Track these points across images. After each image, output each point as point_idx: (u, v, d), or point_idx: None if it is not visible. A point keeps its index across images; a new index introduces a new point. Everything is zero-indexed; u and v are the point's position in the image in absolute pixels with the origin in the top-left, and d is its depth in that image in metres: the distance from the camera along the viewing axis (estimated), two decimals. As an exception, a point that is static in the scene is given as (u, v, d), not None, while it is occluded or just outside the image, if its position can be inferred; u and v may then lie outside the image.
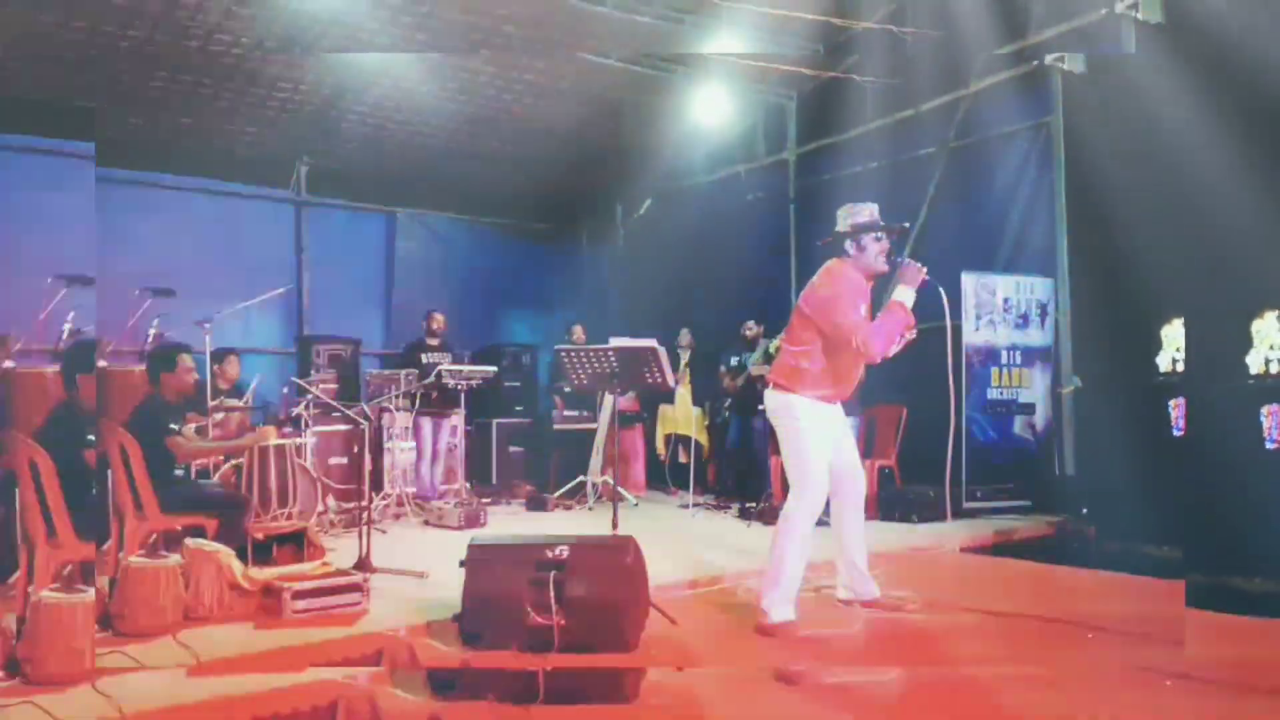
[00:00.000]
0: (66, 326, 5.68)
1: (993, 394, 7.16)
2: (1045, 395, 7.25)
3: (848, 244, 4.25)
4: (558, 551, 3.72)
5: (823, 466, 4.24)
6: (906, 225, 4.36)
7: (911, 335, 4.20)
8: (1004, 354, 7.20)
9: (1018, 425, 7.21)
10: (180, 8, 6.61)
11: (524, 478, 8.60)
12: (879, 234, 4.23)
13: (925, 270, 4.17)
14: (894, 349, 4.18)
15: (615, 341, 4.97)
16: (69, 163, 7.16)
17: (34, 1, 6.26)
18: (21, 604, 3.62)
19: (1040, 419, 7.25)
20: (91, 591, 3.73)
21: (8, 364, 5.21)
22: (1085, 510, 6.36)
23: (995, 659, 3.72)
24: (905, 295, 4.13)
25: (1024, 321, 7.26)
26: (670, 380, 4.99)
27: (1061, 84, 6.85)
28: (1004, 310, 7.22)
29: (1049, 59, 6.73)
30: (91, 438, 4.41)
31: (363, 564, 4.85)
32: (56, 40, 6.70)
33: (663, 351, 4.83)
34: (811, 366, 4.21)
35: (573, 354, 4.92)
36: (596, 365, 4.83)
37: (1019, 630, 4.21)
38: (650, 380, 4.85)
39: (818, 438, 4.24)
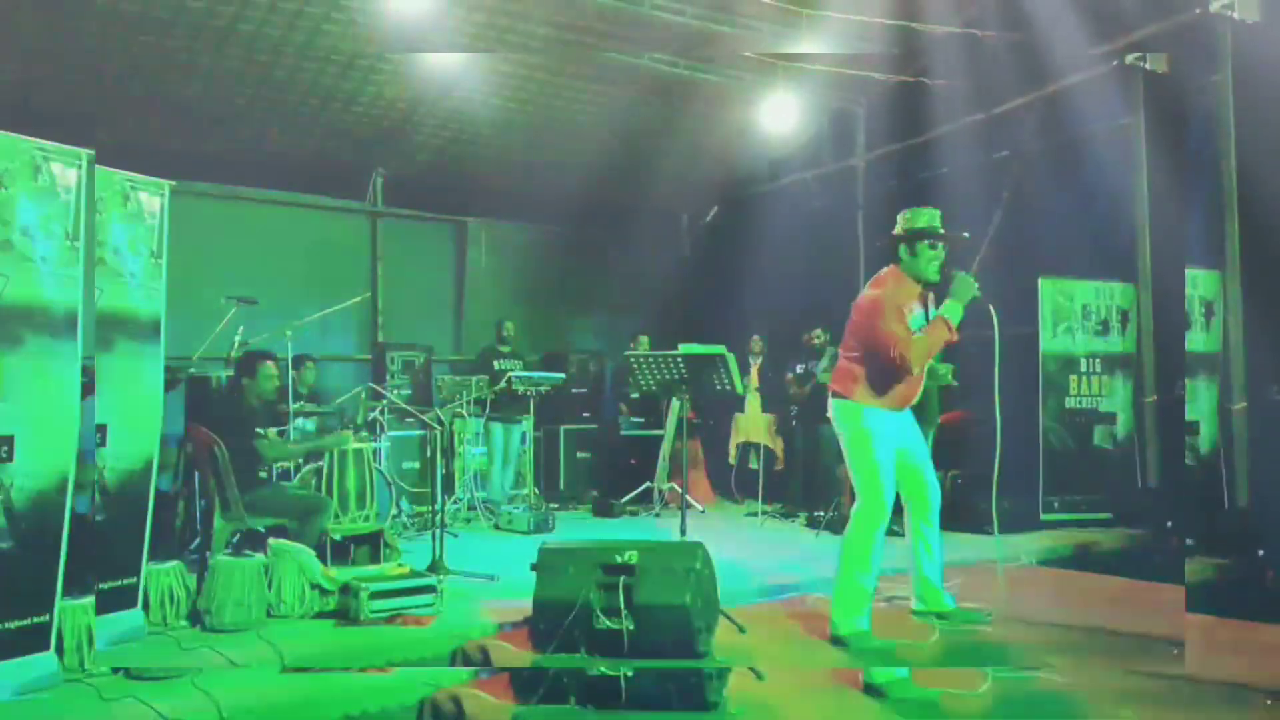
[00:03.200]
0: (236, 339, 6.36)
1: (1070, 402, 6.97)
2: (1127, 404, 7.03)
3: (902, 249, 4.19)
4: (627, 556, 3.74)
5: (885, 474, 4.17)
6: (966, 234, 4.25)
7: (953, 339, 4.12)
8: (1083, 362, 7.01)
9: (1098, 435, 7.00)
10: (274, 26, 6.88)
11: (591, 484, 8.66)
12: (934, 242, 4.14)
13: (978, 286, 4.08)
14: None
15: (684, 348, 4.98)
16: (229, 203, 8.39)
17: (133, 20, 6.56)
18: (201, 565, 4.38)
19: (1121, 428, 7.03)
20: (259, 555, 4.29)
21: (191, 370, 6.01)
22: (1262, 552, 5.33)
23: (1075, 672, 3.62)
24: (953, 310, 4.05)
25: (1104, 328, 7.06)
26: (739, 386, 4.98)
27: (1144, 84, 6.64)
28: (1083, 317, 7.04)
29: (1130, 58, 6.51)
30: (259, 430, 5.00)
31: (436, 566, 4.95)
32: (148, 58, 7.02)
33: (731, 358, 4.82)
34: (867, 373, 4.16)
35: (641, 360, 4.95)
36: (664, 371, 4.85)
37: (1098, 644, 4.09)
38: (719, 387, 4.84)
39: (878, 445, 4.17)
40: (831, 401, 4.31)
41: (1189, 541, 5.67)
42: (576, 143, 8.93)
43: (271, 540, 4.49)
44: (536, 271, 10.13)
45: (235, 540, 4.72)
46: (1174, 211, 6.33)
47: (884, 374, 4.14)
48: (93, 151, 3.52)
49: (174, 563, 4.31)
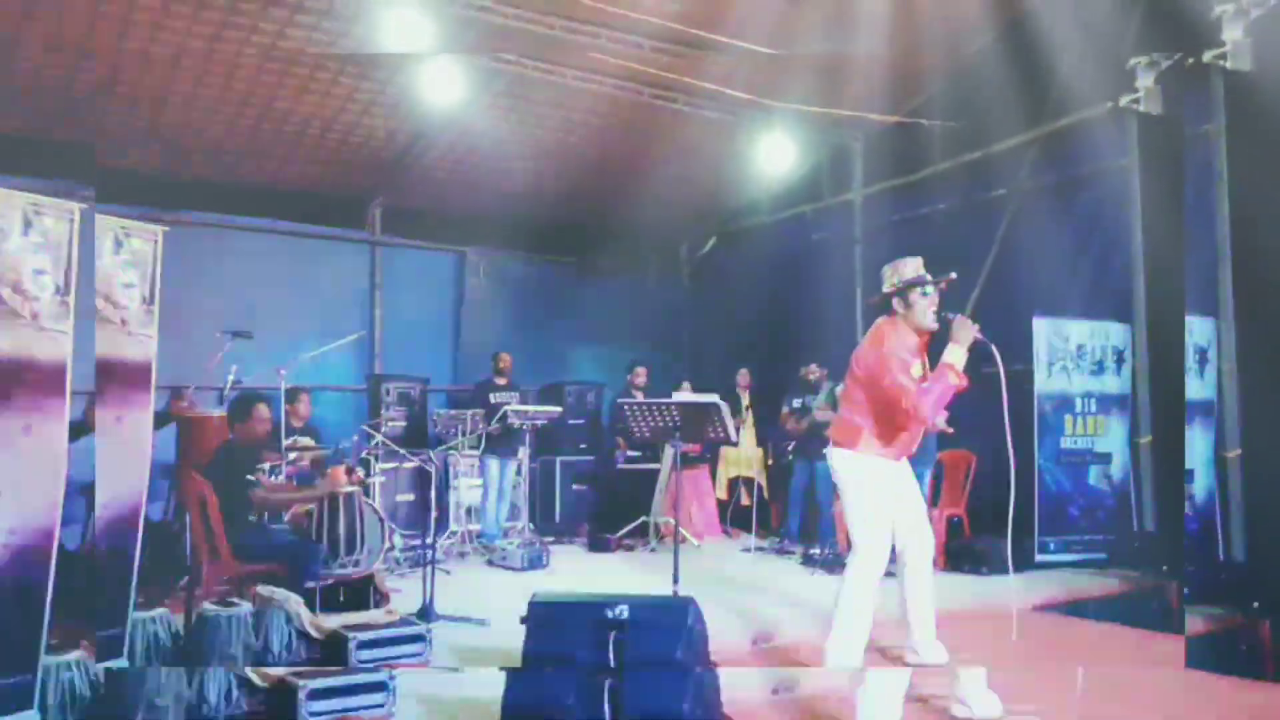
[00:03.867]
0: (230, 378, 6.27)
1: (1066, 443, 6.94)
2: (1123, 445, 7.01)
3: (895, 302, 4.20)
4: (618, 611, 3.71)
5: (883, 524, 4.21)
6: (954, 275, 4.26)
7: (962, 385, 4.11)
8: (1078, 402, 6.99)
9: (1093, 476, 6.97)
10: (276, 60, 6.92)
11: (587, 517, 8.61)
12: (926, 289, 4.15)
13: (978, 328, 4.07)
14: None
15: (678, 396, 4.98)
16: (230, 233, 8.34)
17: (135, 54, 6.59)
18: (186, 607, 4.39)
19: (1117, 469, 7.00)
20: (246, 603, 4.22)
21: (184, 405, 5.96)
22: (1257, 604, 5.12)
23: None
24: (956, 355, 4.04)
25: (1099, 368, 7.05)
26: (733, 434, 4.98)
27: (1139, 127, 6.67)
28: (1078, 356, 7.02)
29: (1124, 101, 6.55)
30: (250, 478, 4.94)
31: (426, 611, 4.92)
32: (149, 90, 7.05)
33: (725, 406, 4.83)
34: (868, 425, 4.17)
35: (635, 408, 4.94)
36: (658, 419, 4.84)
37: (1095, 694, 4.05)
38: (712, 435, 4.84)
39: (877, 493, 4.20)
40: (832, 450, 4.33)
41: (1186, 591, 5.63)
42: (575, 174, 8.97)
43: (259, 586, 4.45)
44: (535, 301, 10.13)
45: (223, 583, 4.69)
46: (1169, 252, 6.33)
47: (891, 426, 4.16)
48: (85, 205, 3.51)
49: (160, 610, 4.28)
